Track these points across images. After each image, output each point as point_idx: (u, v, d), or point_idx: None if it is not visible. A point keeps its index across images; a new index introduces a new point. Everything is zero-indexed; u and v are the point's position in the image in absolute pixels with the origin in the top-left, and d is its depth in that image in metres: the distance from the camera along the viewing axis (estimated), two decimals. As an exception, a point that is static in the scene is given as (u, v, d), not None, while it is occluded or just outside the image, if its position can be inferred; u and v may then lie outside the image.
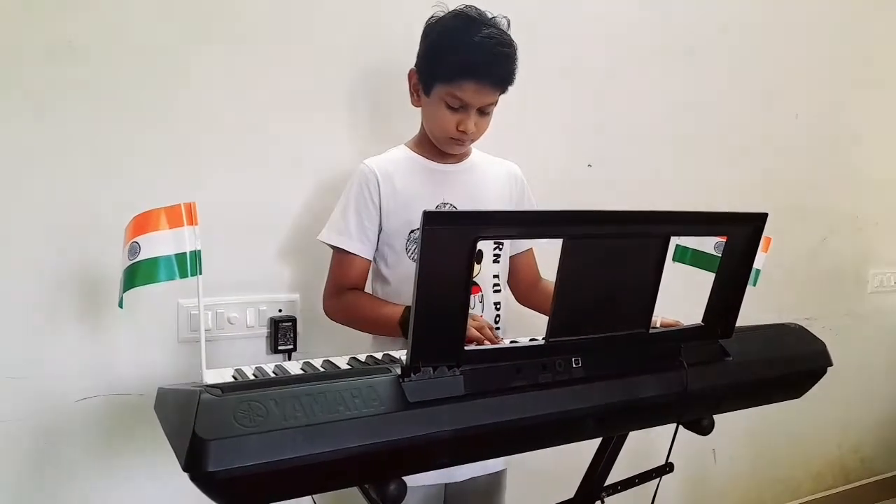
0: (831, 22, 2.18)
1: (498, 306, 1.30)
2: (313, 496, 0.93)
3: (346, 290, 1.25)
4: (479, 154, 1.33)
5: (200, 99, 1.34)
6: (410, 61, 1.24)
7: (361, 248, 1.23)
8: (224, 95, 1.36)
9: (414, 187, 1.23)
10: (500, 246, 1.30)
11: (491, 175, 1.31)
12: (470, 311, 1.21)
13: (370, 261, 1.26)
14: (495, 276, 1.30)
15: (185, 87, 1.32)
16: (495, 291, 1.30)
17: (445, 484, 1.31)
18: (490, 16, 1.19)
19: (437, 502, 1.31)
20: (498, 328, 1.30)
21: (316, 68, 1.44)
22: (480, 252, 1.27)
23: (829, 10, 2.17)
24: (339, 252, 1.24)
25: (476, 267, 1.27)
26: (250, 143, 1.39)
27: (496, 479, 1.37)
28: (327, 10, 1.44)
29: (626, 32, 1.80)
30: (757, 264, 1.00)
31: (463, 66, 1.14)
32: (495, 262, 1.29)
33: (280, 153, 1.42)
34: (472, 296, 1.25)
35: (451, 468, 1.24)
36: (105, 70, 1.26)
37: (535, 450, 0.94)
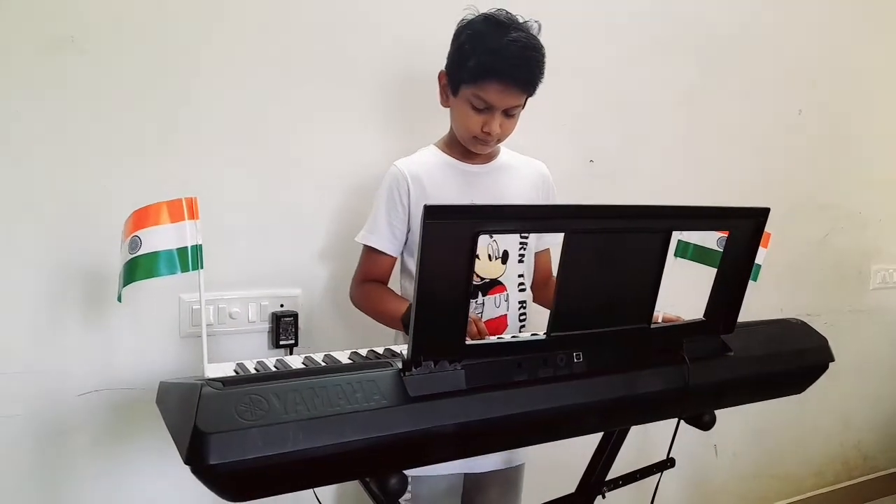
0: (835, 17, 2.17)
1: (523, 305, 1.32)
2: (314, 489, 0.93)
3: (368, 280, 1.30)
4: (507, 153, 1.35)
5: (206, 95, 1.33)
6: (439, 63, 1.26)
7: (388, 245, 1.27)
8: (231, 91, 1.35)
9: (443, 188, 1.26)
10: (525, 245, 1.32)
11: (519, 175, 1.34)
12: (476, 309, 1.24)
13: (395, 258, 1.30)
14: (520, 276, 1.31)
15: (189, 84, 1.32)
16: (520, 290, 1.31)
17: (465, 474, 1.33)
18: (521, 20, 1.21)
19: (456, 492, 1.33)
20: (523, 327, 1.32)
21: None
22: (506, 252, 1.29)
23: (833, 5, 2.16)
24: (368, 247, 1.29)
25: (501, 266, 1.28)
26: (254, 139, 1.39)
27: (515, 473, 1.39)
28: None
29: (629, 28, 1.79)
30: (757, 259, 1.00)
31: (488, 67, 1.15)
32: (520, 261, 1.31)
33: (285, 150, 1.42)
34: (497, 294, 1.28)
35: (474, 459, 1.27)
36: (111, 65, 1.25)
37: (536, 444, 0.94)
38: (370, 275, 1.30)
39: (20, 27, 1.19)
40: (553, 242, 1.39)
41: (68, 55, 1.22)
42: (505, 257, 1.29)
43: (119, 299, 0.87)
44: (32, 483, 1.27)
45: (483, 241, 1.26)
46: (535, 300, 1.38)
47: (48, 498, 1.29)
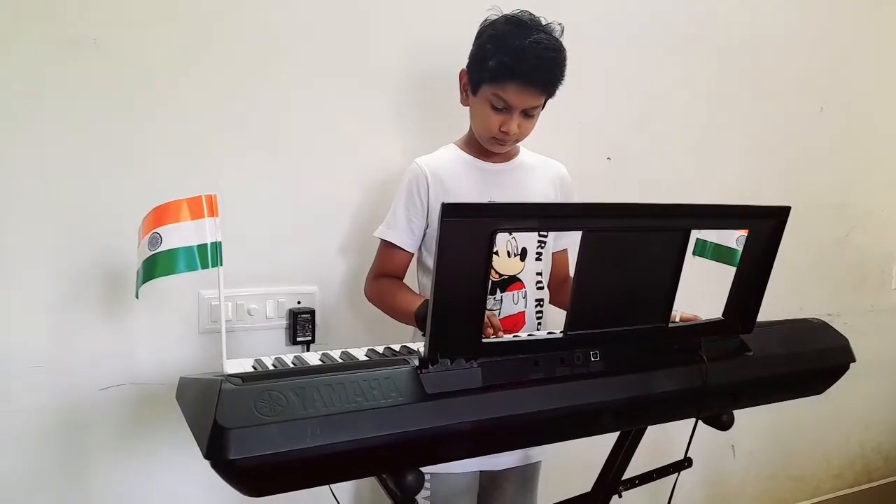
0: (857, 14, 2.14)
1: (540, 303, 1.33)
2: (331, 486, 0.93)
3: (383, 276, 1.31)
4: (527, 153, 1.36)
5: (224, 94, 1.34)
6: (460, 62, 1.26)
7: (405, 241, 1.27)
8: (249, 89, 1.36)
9: (462, 186, 1.27)
10: (543, 244, 1.32)
11: (538, 174, 1.34)
12: (491, 306, 1.25)
13: (412, 254, 1.30)
14: (538, 274, 1.32)
15: (208, 82, 1.33)
16: (538, 288, 1.32)
17: (480, 472, 1.33)
18: (544, 22, 1.21)
19: (473, 489, 1.33)
20: (540, 324, 1.32)
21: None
22: (525, 250, 1.29)
23: (854, 4, 2.13)
24: (385, 243, 1.30)
25: (520, 263, 1.29)
26: (273, 137, 1.40)
27: (532, 470, 1.39)
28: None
29: (647, 27, 1.78)
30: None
31: (509, 67, 1.16)
32: (538, 259, 1.31)
33: (304, 148, 1.42)
34: (515, 291, 1.28)
35: (492, 457, 1.27)
36: (131, 65, 1.27)
37: (552, 443, 0.94)
38: (385, 270, 1.31)
39: (42, 28, 1.21)
40: (570, 243, 1.39)
41: (89, 55, 1.24)
42: (524, 255, 1.29)
43: (137, 296, 0.88)
44: (55, 474, 1.29)
45: (502, 237, 1.26)
46: (550, 301, 1.38)
47: (71, 489, 1.31)
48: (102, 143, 1.26)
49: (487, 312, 1.05)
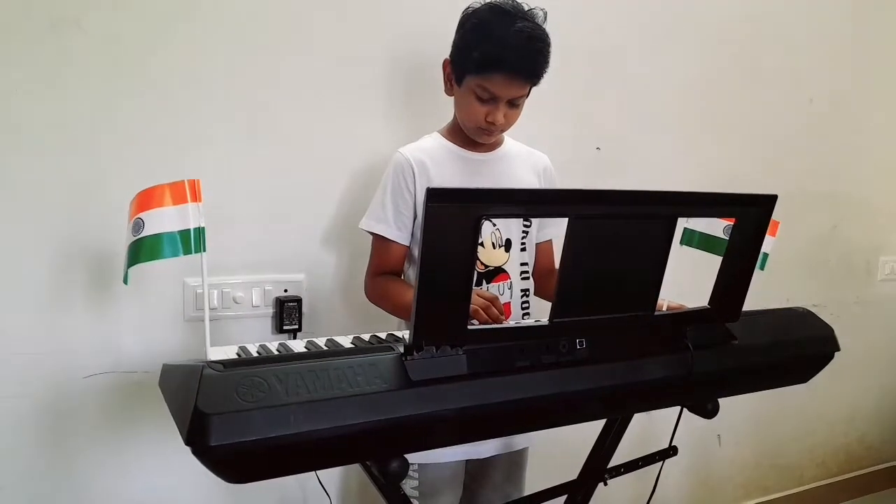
0: (848, 6, 2.14)
1: (525, 293, 1.32)
2: (318, 474, 0.93)
3: (382, 273, 1.29)
4: (511, 143, 1.35)
5: (210, 79, 1.33)
6: (445, 49, 1.25)
7: (398, 234, 1.26)
8: (236, 75, 1.35)
9: (447, 175, 1.26)
10: (527, 233, 1.32)
11: (522, 164, 1.34)
12: (481, 289, 1.24)
13: (407, 246, 1.28)
14: (523, 264, 1.31)
15: (193, 67, 1.31)
16: (523, 278, 1.31)
17: (466, 461, 1.33)
18: (527, 8, 1.20)
19: (459, 478, 1.33)
20: (526, 315, 1.32)
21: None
22: (509, 240, 1.29)
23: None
24: (377, 238, 1.28)
25: (505, 254, 1.28)
26: (259, 124, 1.38)
27: (518, 457, 1.39)
28: None
29: (636, 13, 1.77)
30: (765, 248, 0.99)
31: (493, 58, 1.15)
32: (522, 249, 1.31)
33: (290, 135, 1.41)
34: (501, 283, 1.28)
35: (477, 445, 1.27)
36: (114, 47, 1.25)
37: (537, 430, 0.94)
38: (383, 266, 1.28)
39: (25, 8, 1.18)
40: (555, 234, 1.39)
41: (72, 37, 1.22)
42: (508, 245, 1.29)
43: (125, 281, 0.87)
44: (40, 462, 1.28)
45: (486, 228, 1.26)
46: (535, 292, 1.38)
47: (56, 477, 1.30)
48: (87, 126, 1.25)
49: (486, 297, 1.04)
